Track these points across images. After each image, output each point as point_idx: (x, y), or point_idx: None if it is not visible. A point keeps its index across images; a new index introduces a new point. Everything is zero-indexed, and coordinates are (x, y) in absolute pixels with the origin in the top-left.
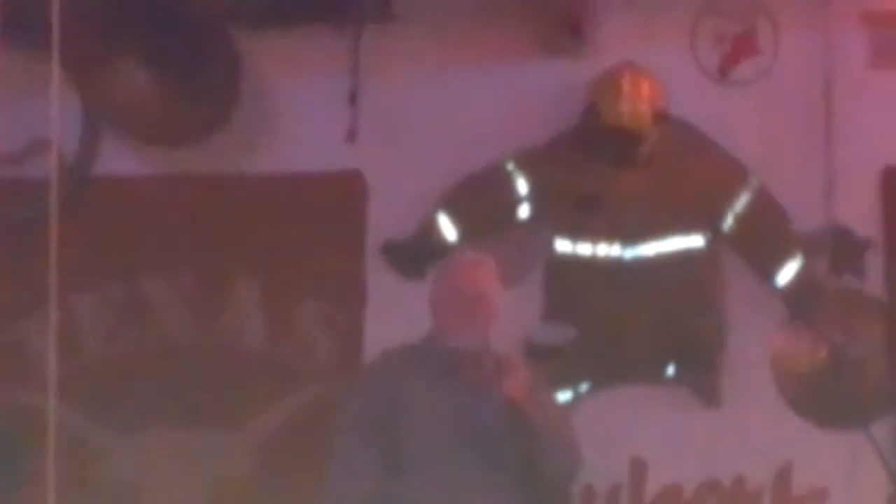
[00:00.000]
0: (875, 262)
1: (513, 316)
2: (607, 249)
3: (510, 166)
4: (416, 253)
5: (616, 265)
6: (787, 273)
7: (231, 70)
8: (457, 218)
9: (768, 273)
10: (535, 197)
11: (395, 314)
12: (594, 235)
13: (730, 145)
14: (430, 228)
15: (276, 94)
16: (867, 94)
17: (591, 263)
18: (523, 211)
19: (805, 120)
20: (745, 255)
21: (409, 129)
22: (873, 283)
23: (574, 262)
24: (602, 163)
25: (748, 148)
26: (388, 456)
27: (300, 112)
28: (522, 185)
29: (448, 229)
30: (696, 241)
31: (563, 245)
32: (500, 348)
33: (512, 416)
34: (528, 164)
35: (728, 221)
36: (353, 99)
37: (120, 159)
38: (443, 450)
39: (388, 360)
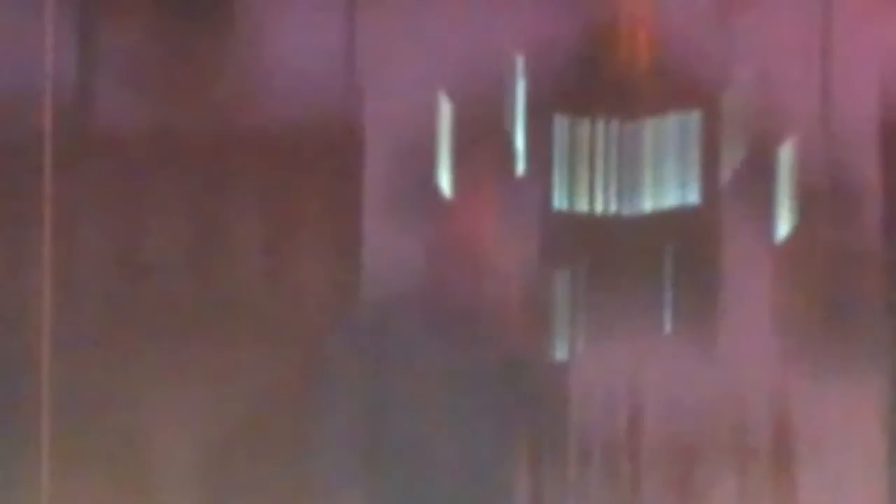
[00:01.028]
0: (872, 211)
1: (508, 265)
2: (604, 198)
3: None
4: (413, 202)
5: (613, 214)
6: (784, 224)
7: (226, 16)
8: (452, 166)
9: (766, 224)
10: (530, 145)
11: (391, 264)
12: (591, 188)
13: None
14: (427, 177)
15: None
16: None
17: (588, 213)
18: (519, 159)
19: (803, 46)
20: (743, 207)
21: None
22: (870, 232)
23: (570, 211)
24: (596, 110)
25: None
26: (379, 403)
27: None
28: (518, 133)
29: (444, 177)
30: (692, 193)
31: (559, 193)
32: (495, 295)
33: (507, 362)
34: (526, 110)
35: (725, 174)
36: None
37: (115, 109)
38: (437, 398)
39: (379, 310)
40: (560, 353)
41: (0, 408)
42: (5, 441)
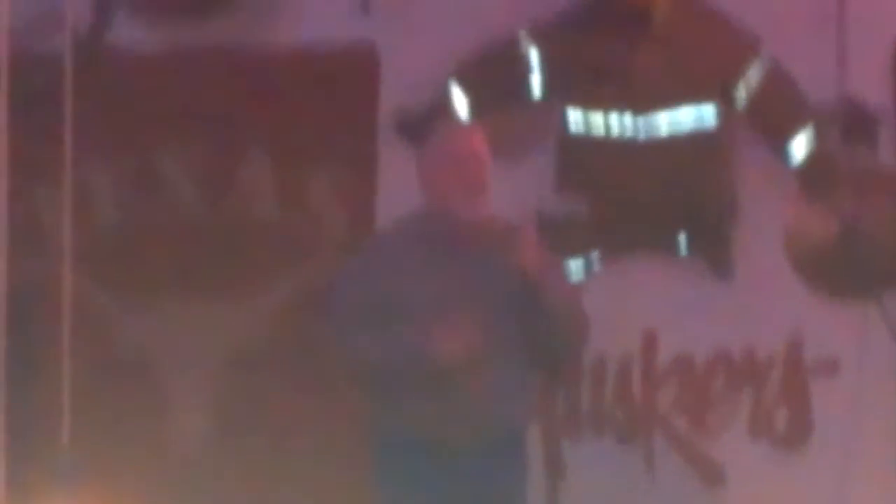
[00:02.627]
0: (887, 135)
1: (525, 189)
2: (619, 122)
3: (523, 38)
4: (428, 125)
5: (629, 139)
6: (799, 146)
7: None
8: (469, 90)
9: (781, 145)
10: (547, 69)
11: (406, 186)
12: (606, 107)
13: (741, 18)
14: (443, 100)
15: None
16: None
17: (604, 137)
18: (535, 83)
19: None
20: (758, 128)
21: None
22: (886, 155)
23: (586, 135)
24: (614, 35)
25: (760, 21)
26: (388, 332)
27: None
28: (535, 57)
29: (460, 101)
30: (707, 112)
31: (575, 117)
32: (511, 218)
33: (524, 283)
34: (541, 36)
35: (740, 93)
36: None
37: (132, 32)
38: (447, 320)
39: (382, 240)
40: (576, 274)
41: (22, 322)
42: (28, 359)
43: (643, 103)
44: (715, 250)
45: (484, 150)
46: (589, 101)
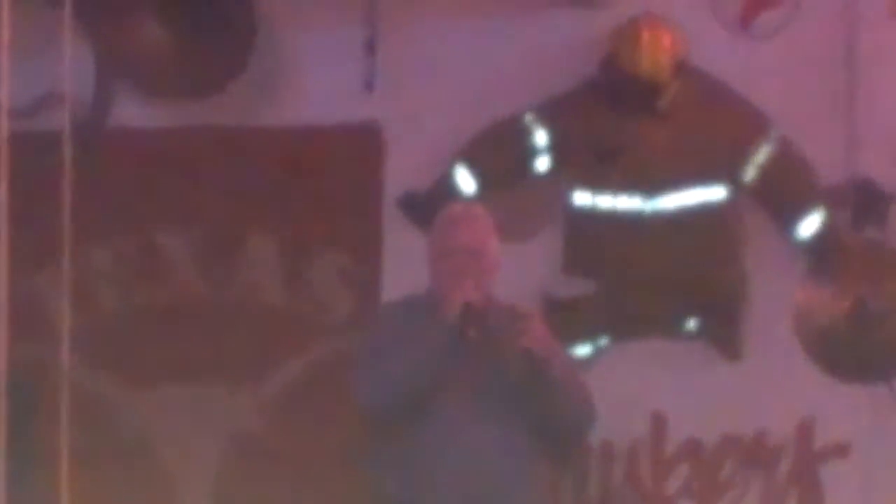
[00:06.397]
0: None
1: (532, 269)
2: (628, 201)
3: (529, 117)
4: (434, 206)
5: (637, 217)
6: (809, 225)
7: (246, 21)
8: (475, 170)
9: (790, 225)
10: (554, 148)
11: (411, 267)
12: (614, 187)
13: (752, 97)
14: (449, 181)
15: (292, 43)
16: (891, 45)
17: (612, 215)
18: (542, 163)
19: (828, 71)
20: (767, 207)
21: (426, 79)
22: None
23: (594, 214)
24: (622, 114)
25: (771, 100)
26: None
27: (316, 62)
28: (542, 137)
29: (466, 181)
30: (717, 192)
31: (582, 197)
32: (515, 300)
33: (528, 366)
34: (548, 115)
35: (750, 172)
36: (370, 48)
37: (134, 112)
38: (454, 405)
39: (393, 309)
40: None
41: (21, 406)
42: (26, 443)
43: (651, 182)
44: (724, 332)
45: (481, 238)
46: (596, 181)
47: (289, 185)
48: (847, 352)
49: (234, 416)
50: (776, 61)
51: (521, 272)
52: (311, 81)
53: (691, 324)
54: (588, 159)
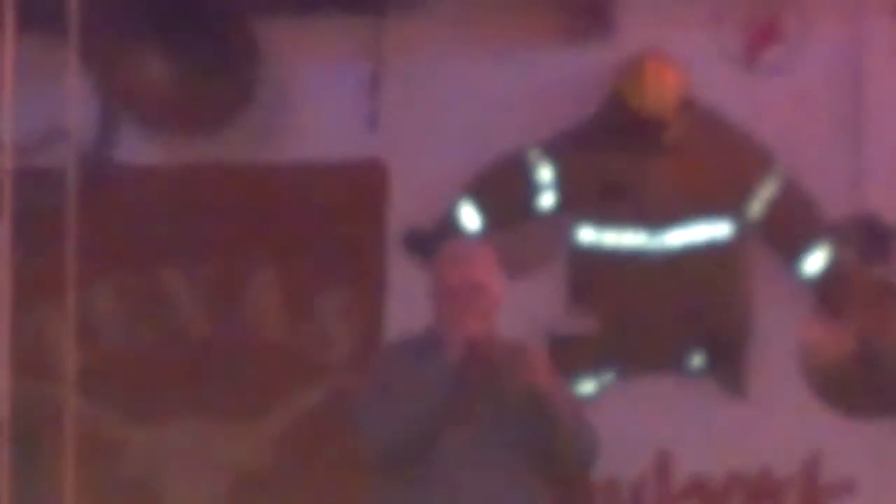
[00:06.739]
0: None
1: (536, 305)
2: (632, 237)
3: (534, 154)
4: (439, 243)
5: (641, 253)
6: (814, 262)
7: (250, 57)
8: (480, 207)
9: (796, 261)
10: (559, 185)
11: (415, 305)
12: (619, 224)
13: (757, 132)
14: (453, 217)
15: (296, 80)
16: None
17: (617, 252)
18: (547, 199)
19: (833, 107)
20: (773, 243)
21: (430, 116)
22: None
23: (599, 250)
24: (627, 150)
25: (776, 136)
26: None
27: (320, 99)
28: (546, 174)
29: (471, 218)
30: (722, 228)
31: (587, 233)
32: (519, 336)
33: (531, 402)
34: (552, 152)
35: (755, 209)
36: (374, 85)
37: (138, 148)
38: (457, 441)
39: (395, 349)
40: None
41: (26, 444)
42: (30, 480)
43: (656, 218)
44: (729, 368)
45: (484, 273)
46: (601, 217)
47: (292, 221)
48: (853, 388)
49: (237, 453)
50: (781, 96)
51: (525, 308)
52: (315, 118)
53: (696, 360)
54: (593, 195)
